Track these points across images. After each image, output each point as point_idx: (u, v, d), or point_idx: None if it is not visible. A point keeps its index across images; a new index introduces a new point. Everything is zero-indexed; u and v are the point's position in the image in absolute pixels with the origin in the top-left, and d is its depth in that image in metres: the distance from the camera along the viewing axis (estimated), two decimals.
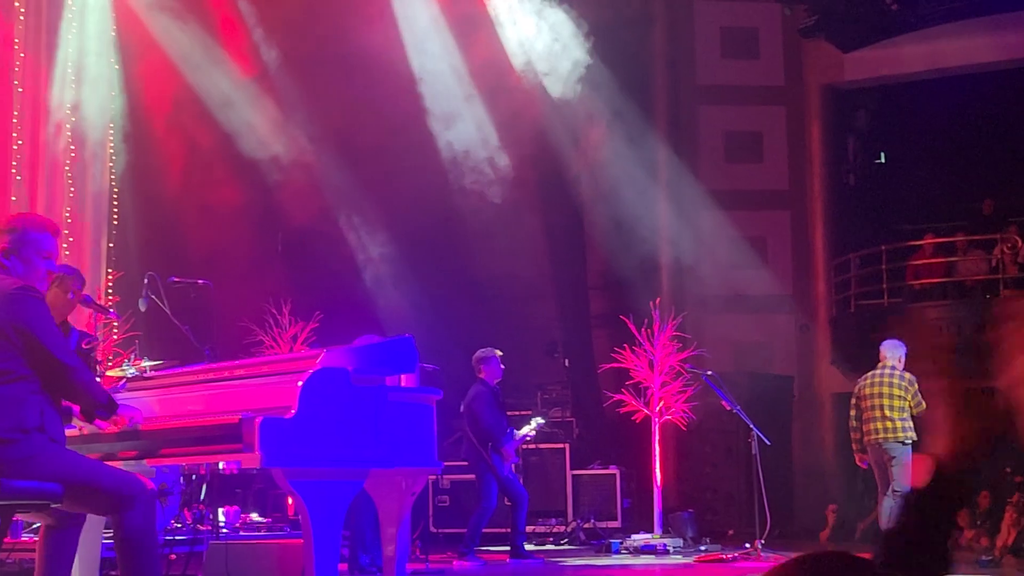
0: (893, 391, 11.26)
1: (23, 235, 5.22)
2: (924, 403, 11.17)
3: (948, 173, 20.70)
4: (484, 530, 11.88)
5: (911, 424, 11.19)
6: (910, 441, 11.17)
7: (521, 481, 12.34)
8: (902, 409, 11.19)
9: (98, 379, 7.35)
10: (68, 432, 5.42)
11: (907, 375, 11.35)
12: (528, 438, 12.39)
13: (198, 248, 14.96)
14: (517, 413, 14.40)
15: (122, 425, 5.28)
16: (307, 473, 4.98)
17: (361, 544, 10.18)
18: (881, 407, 11.27)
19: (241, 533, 11.10)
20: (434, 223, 16.97)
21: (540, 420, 12.67)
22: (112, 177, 14.81)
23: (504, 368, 12.05)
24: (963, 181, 20.48)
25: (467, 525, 11.71)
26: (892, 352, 11.52)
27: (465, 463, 12.08)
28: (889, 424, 11.21)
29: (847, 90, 20.66)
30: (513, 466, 11.88)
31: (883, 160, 21.97)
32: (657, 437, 13.93)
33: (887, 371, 11.42)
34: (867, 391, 11.44)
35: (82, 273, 8.07)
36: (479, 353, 11.93)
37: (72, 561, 5.41)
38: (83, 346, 7.34)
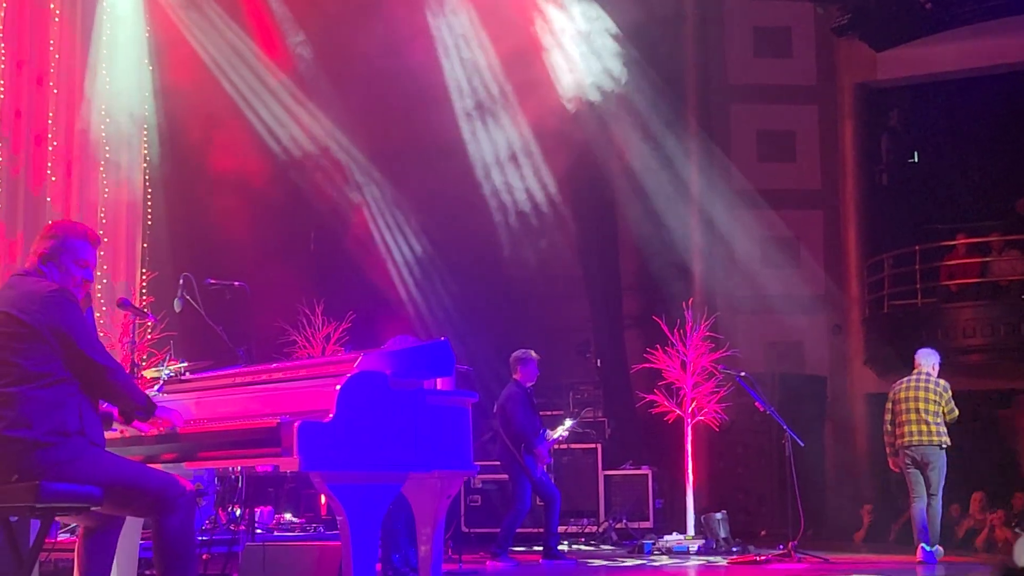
0: (928, 396, 11.56)
1: (63, 242, 5.26)
2: (956, 410, 11.55)
3: (982, 172, 20.58)
4: (517, 531, 11.87)
5: (945, 429, 11.54)
6: (945, 446, 11.50)
7: (552, 481, 12.30)
8: (936, 414, 11.51)
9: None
10: (108, 435, 5.45)
11: (941, 382, 11.68)
12: (561, 439, 12.36)
13: (231, 248, 15.00)
14: (549, 413, 14.40)
15: (163, 427, 5.30)
16: (345, 477, 4.98)
17: (394, 544, 10.20)
18: (917, 411, 11.56)
19: (275, 533, 11.14)
20: (467, 224, 16.98)
21: (572, 422, 12.64)
22: (146, 178, 14.87)
23: (539, 373, 12.04)
24: (997, 180, 20.34)
25: (500, 526, 11.70)
26: (926, 360, 11.86)
27: (496, 463, 12.07)
28: (924, 428, 11.51)
29: (880, 89, 20.55)
30: (545, 467, 11.85)
31: (916, 159, 21.83)
32: (690, 438, 13.90)
33: (922, 377, 11.72)
34: (902, 395, 11.70)
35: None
36: (517, 354, 11.90)
37: (111, 563, 5.44)
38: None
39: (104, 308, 13.28)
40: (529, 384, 11.79)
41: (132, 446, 5.44)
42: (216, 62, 15.82)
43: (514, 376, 11.80)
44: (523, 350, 11.93)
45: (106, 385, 5.10)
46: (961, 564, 11.57)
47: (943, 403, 11.55)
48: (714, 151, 19.61)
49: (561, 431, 12.17)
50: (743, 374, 12.18)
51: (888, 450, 11.99)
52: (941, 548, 11.58)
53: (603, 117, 17.60)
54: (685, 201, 19.08)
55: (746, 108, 20.28)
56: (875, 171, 20.89)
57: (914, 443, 11.54)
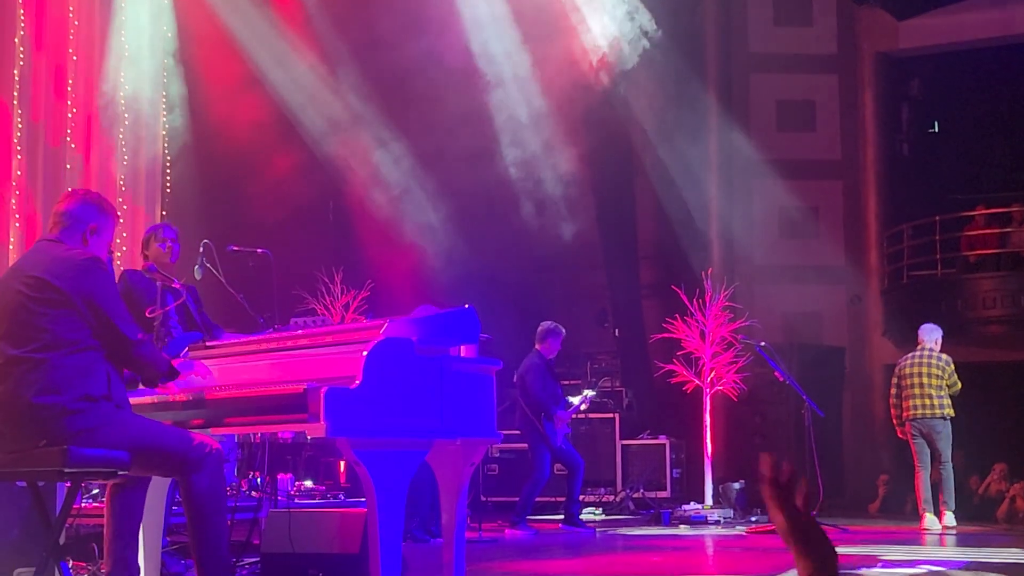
0: (932, 371, 12.22)
1: (80, 214, 5.27)
2: (959, 383, 12.15)
3: (1003, 142, 20.49)
4: (538, 499, 11.90)
5: (948, 401, 12.18)
6: (948, 416, 12.17)
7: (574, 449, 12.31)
8: (940, 388, 12.17)
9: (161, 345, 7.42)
10: (137, 399, 5.47)
11: (944, 356, 12.33)
12: (581, 408, 12.38)
13: (250, 216, 15.01)
14: (567, 383, 14.42)
15: (190, 390, 5.32)
16: (372, 443, 4.97)
17: (416, 512, 10.23)
18: (921, 385, 12.22)
19: (296, 500, 11.19)
20: (485, 193, 16.96)
21: (591, 392, 12.67)
22: (165, 145, 14.87)
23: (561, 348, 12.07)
24: (1018, 151, 20.27)
25: (519, 494, 11.73)
26: (929, 335, 12.47)
27: (517, 432, 12.11)
28: (928, 401, 12.18)
29: (901, 58, 20.44)
30: (566, 436, 11.87)
31: (937, 129, 21.73)
32: (708, 408, 13.91)
33: (925, 352, 12.36)
34: (907, 371, 12.36)
35: (170, 224, 8.21)
36: (545, 325, 11.92)
37: (140, 519, 5.51)
38: (147, 314, 7.38)
39: (123, 271, 13.28)
40: (551, 356, 11.81)
41: (159, 412, 5.44)
42: (237, 29, 15.77)
43: (537, 346, 11.82)
44: (552, 323, 11.95)
45: (132, 358, 5.14)
46: (981, 535, 11.56)
47: (945, 377, 12.19)
48: (733, 120, 19.54)
49: (579, 400, 12.18)
50: (763, 344, 12.19)
51: (894, 421, 12.64)
52: (952, 515, 12.02)
53: (623, 86, 17.53)
54: (704, 170, 19.03)
55: (766, 77, 20.19)
56: (895, 141, 20.79)
57: (918, 416, 12.23)
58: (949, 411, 12.15)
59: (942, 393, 12.14)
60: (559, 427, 11.64)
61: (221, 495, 5.16)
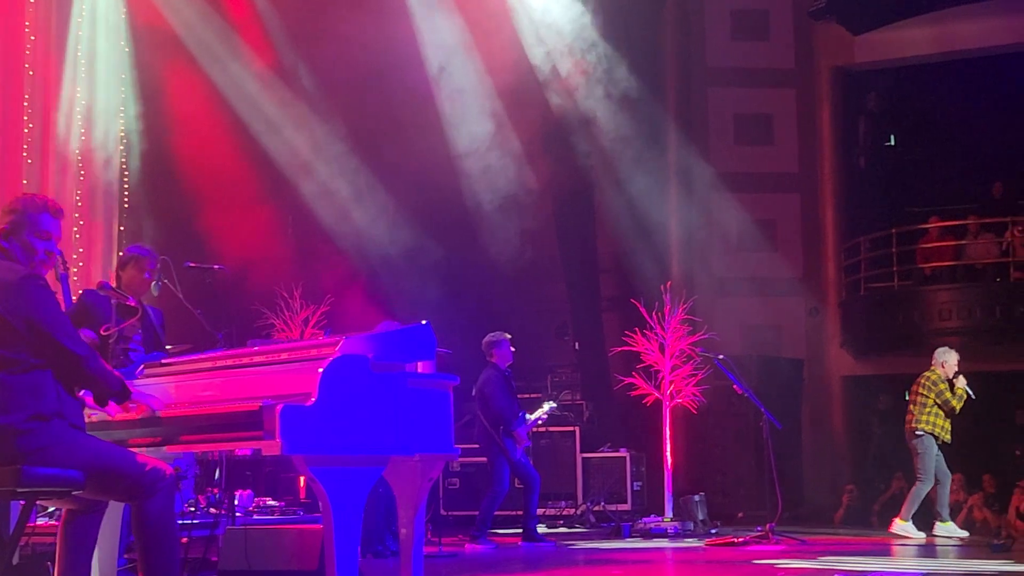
0: (920, 389, 12.50)
1: (22, 216, 5.18)
2: (955, 401, 12.28)
3: (958, 156, 20.68)
4: (496, 513, 11.89)
5: (928, 418, 12.34)
6: (925, 432, 12.33)
7: (532, 464, 12.33)
8: (923, 405, 12.40)
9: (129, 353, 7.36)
10: (92, 419, 5.42)
11: (933, 376, 12.51)
12: (540, 422, 12.41)
13: (209, 232, 14.95)
14: (527, 396, 14.42)
15: (140, 413, 5.28)
16: (328, 460, 4.97)
17: (374, 527, 10.21)
18: (911, 402, 12.57)
19: (255, 517, 11.13)
20: (444, 206, 16.95)
21: (552, 404, 12.68)
22: (123, 160, 14.79)
23: (514, 351, 12.06)
24: (973, 164, 20.45)
25: (479, 508, 11.73)
26: (935, 357, 12.75)
27: (475, 446, 12.10)
28: (910, 416, 12.48)
29: (857, 72, 20.62)
30: (524, 449, 11.87)
31: (893, 143, 21.93)
32: (668, 420, 13.94)
33: (926, 372, 12.64)
34: (911, 388, 12.73)
35: (155, 253, 8.16)
36: (489, 337, 11.93)
37: (93, 547, 5.41)
38: (101, 332, 7.33)
39: (80, 291, 13.19)
40: (506, 365, 11.83)
41: (112, 430, 5.41)
42: (195, 43, 15.71)
43: (490, 359, 11.83)
44: (494, 333, 11.98)
45: (80, 372, 5.05)
46: (938, 545, 11.65)
47: (931, 395, 12.37)
48: (692, 134, 19.64)
49: (540, 413, 12.20)
50: (721, 357, 12.23)
51: None
52: (909, 524, 12.29)
53: (582, 99, 17.57)
54: (663, 184, 19.10)
55: (724, 91, 20.32)
56: (852, 154, 20.98)
57: (905, 431, 12.56)
58: (926, 427, 12.29)
59: (926, 410, 12.33)
60: (519, 441, 11.64)
61: (173, 521, 5.12)
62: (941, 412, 12.35)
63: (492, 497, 11.59)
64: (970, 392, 12.40)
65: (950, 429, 12.43)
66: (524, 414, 11.89)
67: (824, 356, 19.84)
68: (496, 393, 11.60)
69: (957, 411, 12.39)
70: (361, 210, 17.21)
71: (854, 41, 20.23)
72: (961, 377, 12.46)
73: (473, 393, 11.79)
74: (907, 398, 12.75)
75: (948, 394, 12.32)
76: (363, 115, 16.50)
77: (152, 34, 15.22)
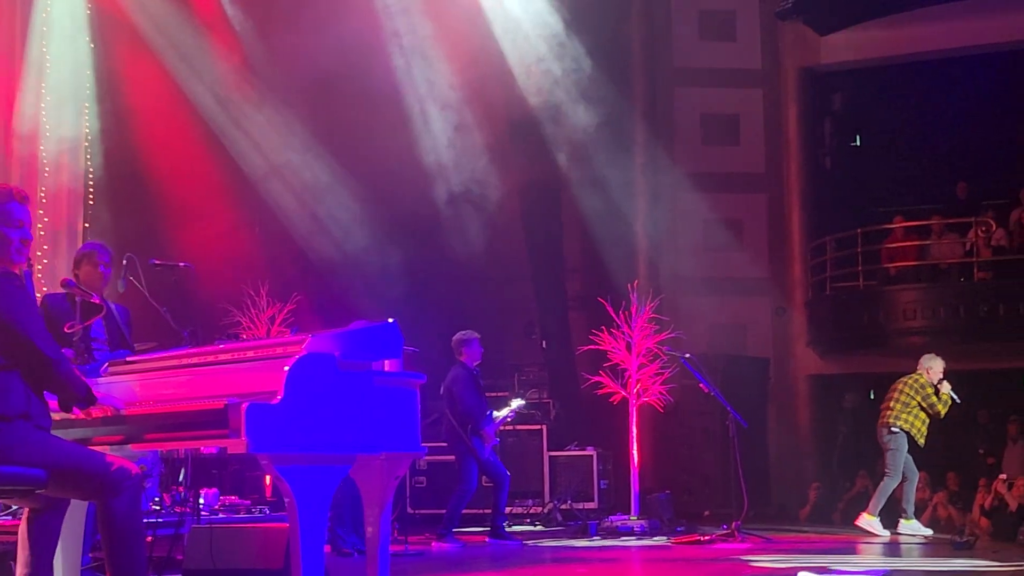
0: (905, 388, 12.61)
1: None
2: (940, 406, 12.43)
3: (923, 156, 20.83)
4: (464, 511, 11.89)
5: (910, 419, 12.46)
6: (900, 430, 12.43)
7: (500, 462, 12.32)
8: (906, 404, 12.49)
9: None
10: (57, 414, 5.39)
11: (922, 379, 12.63)
12: (509, 419, 12.41)
13: (175, 229, 14.89)
14: (494, 395, 14.40)
15: (100, 415, 5.24)
16: (294, 459, 4.96)
17: (341, 526, 10.19)
18: (891, 399, 12.64)
19: (221, 515, 11.09)
20: (411, 204, 16.93)
21: (520, 402, 12.69)
22: (88, 157, 14.70)
23: (482, 350, 12.06)
24: (937, 165, 20.60)
25: (446, 507, 11.72)
26: (921, 364, 12.84)
27: (443, 444, 12.09)
28: (889, 412, 12.54)
29: (824, 73, 20.72)
30: (492, 448, 11.87)
31: (858, 143, 22.05)
32: (634, 419, 13.96)
33: (913, 375, 12.75)
34: (892, 386, 12.84)
35: (105, 247, 8.12)
36: (459, 335, 11.93)
37: (56, 545, 5.38)
38: (65, 330, 7.28)
39: (45, 289, 13.12)
40: (475, 364, 11.83)
41: (77, 428, 5.38)
42: (160, 41, 15.63)
43: (459, 358, 11.83)
44: (464, 331, 11.98)
45: (50, 376, 5.01)
46: (902, 543, 11.73)
47: (919, 399, 12.50)
48: (659, 134, 19.68)
49: (507, 411, 12.20)
50: (688, 356, 12.27)
51: None
52: (875, 520, 12.37)
53: (549, 98, 17.59)
54: (630, 183, 19.13)
55: (691, 91, 20.38)
56: (818, 155, 21.07)
57: (879, 426, 12.65)
58: (904, 424, 12.40)
59: (908, 409, 12.44)
60: (487, 440, 11.65)
61: (139, 520, 5.09)
62: (923, 415, 12.46)
63: (460, 495, 11.59)
64: (955, 397, 12.52)
65: (925, 434, 12.54)
66: (492, 412, 11.90)
67: (790, 355, 19.93)
68: (464, 392, 11.60)
69: (942, 415, 12.54)
70: (328, 208, 17.17)
71: (820, 42, 20.32)
72: (946, 383, 12.58)
73: (441, 391, 11.79)
74: (885, 395, 12.79)
75: (934, 398, 12.43)
76: (330, 112, 16.46)
77: (116, 31, 15.13)
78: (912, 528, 12.33)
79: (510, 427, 14.29)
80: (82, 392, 5.12)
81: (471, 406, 11.57)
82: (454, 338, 11.95)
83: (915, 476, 12.60)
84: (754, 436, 16.24)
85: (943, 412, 12.49)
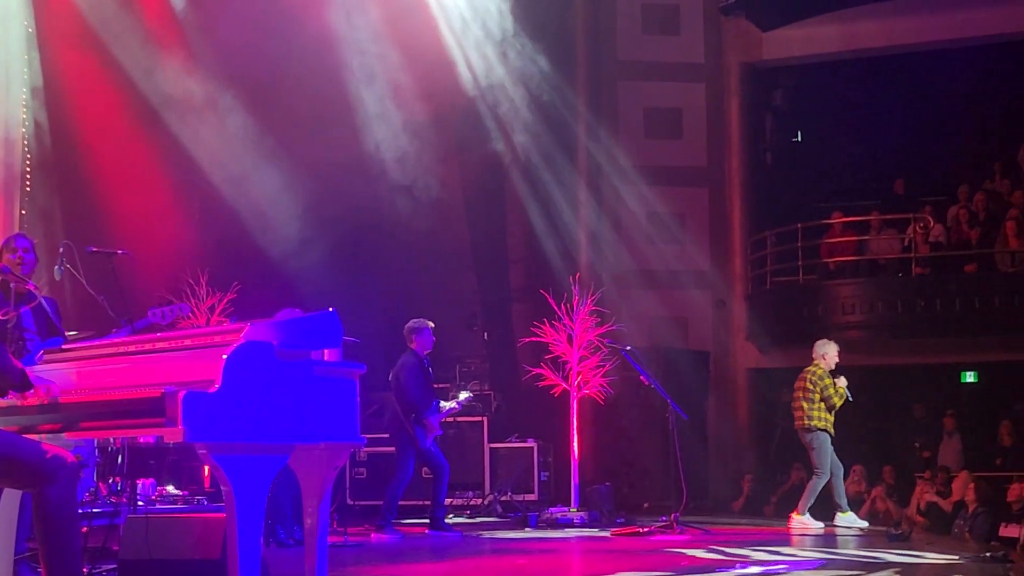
0: (807, 385, 12.57)
1: None
2: (835, 398, 12.38)
3: (862, 153, 21.02)
4: (404, 503, 11.87)
5: (822, 414, 12.47)
6: (816, 428, 12.45)
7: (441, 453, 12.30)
8: (811, 401, 12.49)
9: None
10: None
11: (819, 371, 12.60)
12: (455, 411, 12.42)
13: (114, 217, 14.72)
14: (436, 386, 14.38)
15: (37, 400, 5.19)
16: (231, 448, 4.93)
17: (279, 517, 10.15)
18: (797, 399, 12.63)
19: (158, 506, 11.01)
20: (354, 195, 16.83)
21: (467, 394, 12.74)
22: (26, 143, 14.50)
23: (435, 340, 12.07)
24: (877, 161, 20.81)
25: (383, 498, 11.68)
26: (815, 350, 12.87)
27: (384, 435, 12.06)
28: (799, 414, 12.57)
29: (766, 69, 20.84)
30: (435, 438, 11.85)
31: (800, 139, 22.22)
32: (575, 411, 13.99)
33: (810, 366, 12.73)
34: (795, 383, 12.81)
35: (24, 234, 8.01)
36: (412, 323, 11.91)
37: None
38: (0, 317, 7.19)
39: None
40: (425, 353, 11.82)
41: (11, 416, 5.31)
42: (102, 26, 15.44)
43: (410, 345, 11.82)
44: (417, 319, 11.95)
45: None
46: (839, 535, 11.84)
47: (817, 390, 12.48)
48: (602, 127, 19.72)
49: (454, 404, 12.22)
50: (629, 348, 12.33)
51: None
52: (806, 517, 12.42)
53: (492, 90, 17.57)
54: (573, 176, 19.17)
55: (634, 85, 20.43)
56: (759, 150, 21.21)
57: (797, 427, 12.69)
58: (819, 423, 12.40)
59: (814, 406, 12.42)
60: (430, 430, 11.63)
61: (74, 510, 5.05)
62: (824, 405, 12.50)
63: (396, 484, 11.56)
64: (849, 395, 12.57)
65: (833, 421, 12.61)
66: (438, 403, 11.90)
67: (730, 349, 20.05)
68: (411, 380, 11.58)
69: (837, 408, 12.53)
70: (270, 198, 17.03)
71: (763, 38, 20.45)
72: (842, 378, 12.63)
73: (389, 378, 11.78)
74: (793, 393, 12.81)
75: (831, 390, 12.43)
76: (274, 102, 16.34)
77: (56, 17, 14.93)
78: (849, 520, 12.43)
79: (451, 419, 14.27)
80: (17, 378, 5.07)
81: (416, 395, 11.56)
82: (407, 325, 11.93)
83: (840, 470, 12.64)
84: (694, 429, 16.34)
85: (838, 405, 12.48)
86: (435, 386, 13.38)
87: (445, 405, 12.06)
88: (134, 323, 7.76)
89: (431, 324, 11.94)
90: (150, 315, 8.20)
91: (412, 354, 11.77)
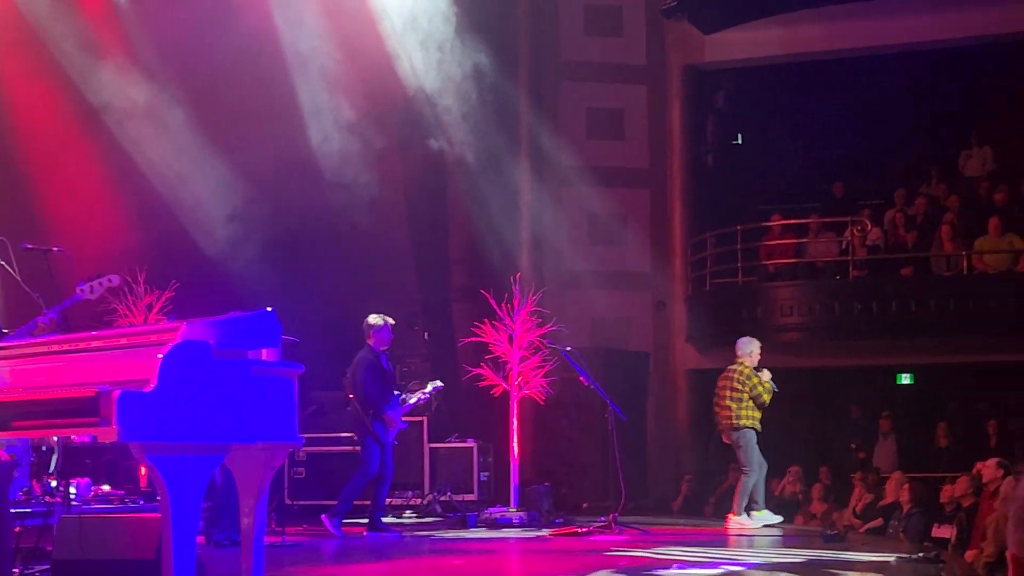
0: (733, 384, 12.55)
1: None
2: (765, 395, 12.42)
3: (802, 156, 21.20)
4: (360, 492, 11.82)
5: (750, 412, 12.48)
6: (744, 427, 12.46)
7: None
8: (739, 400, 12.48)
9: None
10: None
11: (745, 370, 12.59)
12: (422, 402, 12.47)
13: (50, 213, 14.56)
14: None
15: None
16: (166, 448, 4.90)
17: (216, 517, 10.08)
18: (724, 397, 12.60)
19: (93, 506, 10.89)
20: (295, 193, 16.74)
21: (437, 384, 12.81)
22: None
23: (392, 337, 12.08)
24: (816, 164, 21.00)
25: (345, 487, 11.63)
26: (740, 348, 12.86)
27: (322, 435, 12.03)
28: (726, 412, 12.55)
29: (707, 71, 20.96)
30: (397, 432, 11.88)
31: (740, 141, 22.37)
32: (515, 411, 13.99)
33: (734, 365, 12.71)
34: (719, 382, 12.75)
35: None
36: (370, 319, 11.92)
37: None
38: None
39: None
40: (382, 349, 11.82)
41: None
42: (38, 21, 15.26)
43: (367, 341, 11.84)
44: (376, 315, 11.97)
45: None
46: (776, 536, 11.93)
47: (745, 389, 12.48)
48: (544, 127, 19.74)
49: (420, 395, 12.29)
50: (568, 349, 12.37)
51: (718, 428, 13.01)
52: (743, 517, 12.42)
53: (434, 89, 17.52)
54: (515, 176, 19.18)
55: (577, 85, 20.48)
56: (701, 152, 21.32)
57: (721, 427, 12.70)
58: (747, 421, 12.42)
59: (742, 404, 12.43)
60: (390, 424, 11.65)
61: (6, 510, 5.00)
62: (752, 404, 12.52)
63: (360, 476, 11.58)
64: (774, 387, 12.64)
65: (760, 418, 12.68)
66: (399, 396, 11.91)
67: (670, 350, 20.15)
68: (367, 376, 11.60)
69: (767, 403, 12.55)
70: (210, 196, 16.90)
71: (705, 40, 20.55)
72: (765, 371, 12.69)
73: (347, 374, 11.77)
74: (716, 392, 12.78)
75: (760, 388, 12.46)
76: (213, 100, 16.20)
77: None
78: (764, 518, 12.46)
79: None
80: None
81: (372, 391, 11.58)
82: (365, 320, 11.97)
83: (764, 468, 12.69)
84: (633, 429, 16.41)
85: (768, 400, 12.50)
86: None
87: (410, 398, 12.09)
88: (63, 301, 7.68)
89: (391, 320, 11.97)
90: (78, 290, 8.10)
91: (369, 350, 11.79)
